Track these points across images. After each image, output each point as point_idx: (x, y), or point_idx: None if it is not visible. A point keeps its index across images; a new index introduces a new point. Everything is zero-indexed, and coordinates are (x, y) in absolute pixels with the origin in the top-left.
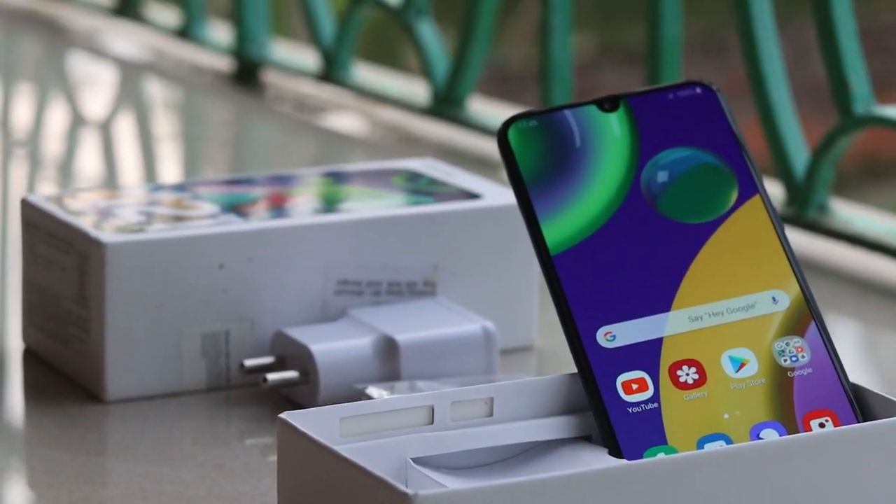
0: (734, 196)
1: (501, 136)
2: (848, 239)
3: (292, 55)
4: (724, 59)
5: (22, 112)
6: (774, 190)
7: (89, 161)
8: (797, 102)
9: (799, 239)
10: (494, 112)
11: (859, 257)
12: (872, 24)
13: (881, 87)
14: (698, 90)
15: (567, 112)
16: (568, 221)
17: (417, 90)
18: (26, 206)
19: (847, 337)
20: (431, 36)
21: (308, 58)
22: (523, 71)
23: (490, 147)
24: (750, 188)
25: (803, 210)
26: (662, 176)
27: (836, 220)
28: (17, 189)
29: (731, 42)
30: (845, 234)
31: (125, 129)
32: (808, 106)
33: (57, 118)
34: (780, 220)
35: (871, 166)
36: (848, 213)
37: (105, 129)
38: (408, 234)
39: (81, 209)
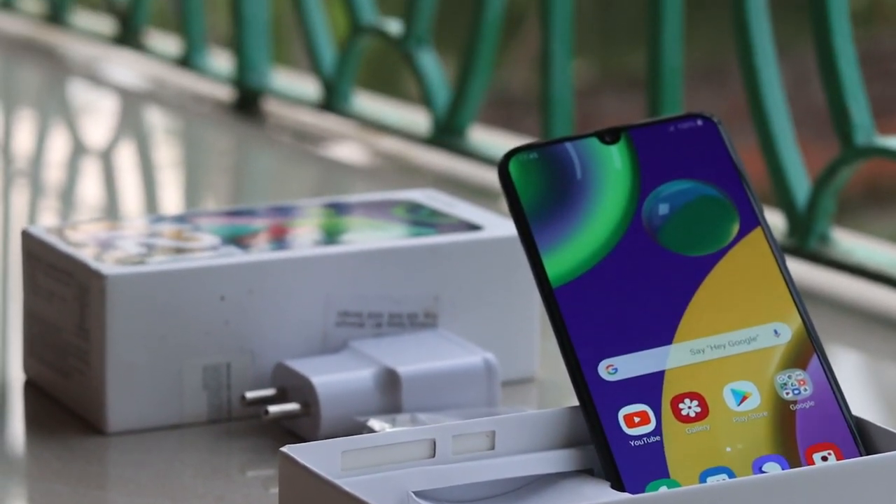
0: (735, 228)
1: (502, 168)
2: (849, 269)
3: (293, 84)
4: (725, 85)
5: (22, 140)
6: (776, 220)
7: (90, 190)
8: (798, 128)
9: (800, 269)
10: (495, 142)
11: (861, 288)
12: (873, 50)
13: (882, 112)
14: (699, 122)
15: (568, 144)
16: (569, 254)
17: (418, 119)
18: (27, 238)
19: (849, 368)
20: (432, 65)
21: (308, 87)
22: (525, 96)
23: (491, 177)
24: (751, 220)
25: (805, 240)
26: (663, 208)
27: (837, 251)
28: (19, 218)
29: (732, 67)
30: (847, 265)
31: (126, 157)
32: (809, 131)
33: (58, 146)
34: (782, 253)
35: (872, 193)
36: (849, 243)
37: (106, 158)
38: (409, 265)
39: (82, 241)
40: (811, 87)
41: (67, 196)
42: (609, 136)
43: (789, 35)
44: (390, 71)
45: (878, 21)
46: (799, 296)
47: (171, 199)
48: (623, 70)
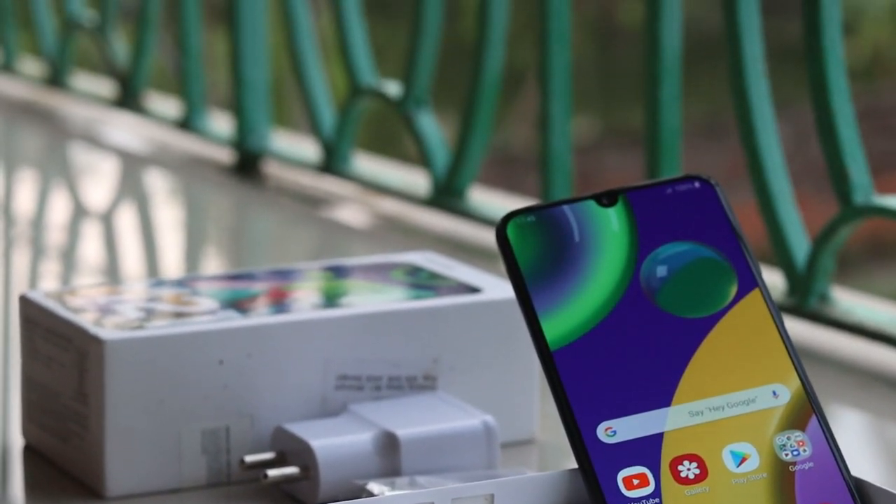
0: (733, 290)
1: (500, 231)
2: (849, 328)
3: (293, 146)
4: (726, 143)
5: (23, 203)
6: (775, 279)
7: (91, 252)
8: (799, 183)
9: (800, 329)
10: (495, 202)
11: (861, 347)
12: (874, 104)
13: (883, 167)
14: (696, 184)
15: (566, 207)
16: (567, 317)
17: (418, 181)
18: (25, 303)
19: (850, 427)
20: (431, 127)
21: (308, 149)
22: (527, 154)
23: (491, 237)
24: (749, 282)
25: (804, 300)
26: (661, 270)
27: (837, 310)
28: (19, 282)
29: (733, 125)
30: (847, 324)
31: (126, 219)
32: (810, 187)
33: (58, 209)
34: (780, 314)
35: (875, 248)
36: (849, 302)
37: (106, 220)
38: (408, 328)
39: (81, 306)
40: (812, 142)
41: (68, 259)
42: (606, 198)
43: (790, 91)
44: (391, 130)
45: (879, 75)
46: (797, 357)
47: (172, 262)
48: (625, 126)
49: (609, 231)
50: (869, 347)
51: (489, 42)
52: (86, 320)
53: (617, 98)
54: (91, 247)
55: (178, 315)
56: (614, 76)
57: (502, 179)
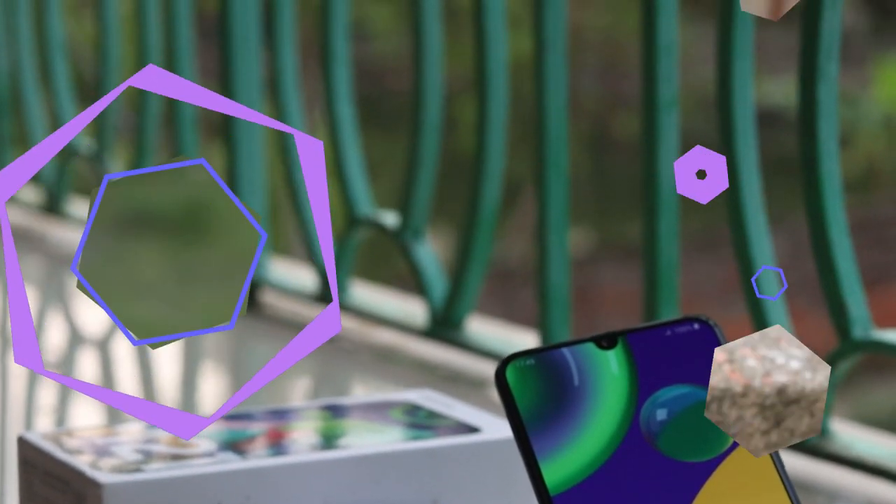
0: None
1: (499, 375)
2: (849, 463)
3: (290, 275)
4: (721, 255)
5: None
6: None
7: (88, 382)
8: (794, 297)
9: (800, 464)
10: (493, 333)
11: (861, 482)
12: (870, 216)
13: (879, 279)
14: (696, 326)
15: (565, 350)
16: (567, 461)
17: (415, 310)
18: (23, 445)
19: None
20: (429, 258)
21: (306, 277)
22: (522, 267)
23: (489, 369)
24: None
25: None
26: (661, 414)
27: (836, 444)
28: (16, 415)
29: (728, 238)
30: (846, 459)
31: (123, 348)
32: (806, 300)
33: (55, 336)
34: (780, 456)
35: (874, 364)
36: (849, 436)
37: (103, 348)
38: (407, 469)
39: (78, 447)
40: (808, 255)
41: (65, 388)
42: (606, 341)
43: (786, 202)
44: (387, 252)
45: (873, 188)
46: (797, 499)
47: (169, 394)
48: (621, 239)
49: (609, 374)
50: (869, 483)
51: (486, 176)
52: (83, 462)
53: (612, 210)
54: (88, 376)
55: (176, 457)
56: (610, 188)
57: (498, 294)
